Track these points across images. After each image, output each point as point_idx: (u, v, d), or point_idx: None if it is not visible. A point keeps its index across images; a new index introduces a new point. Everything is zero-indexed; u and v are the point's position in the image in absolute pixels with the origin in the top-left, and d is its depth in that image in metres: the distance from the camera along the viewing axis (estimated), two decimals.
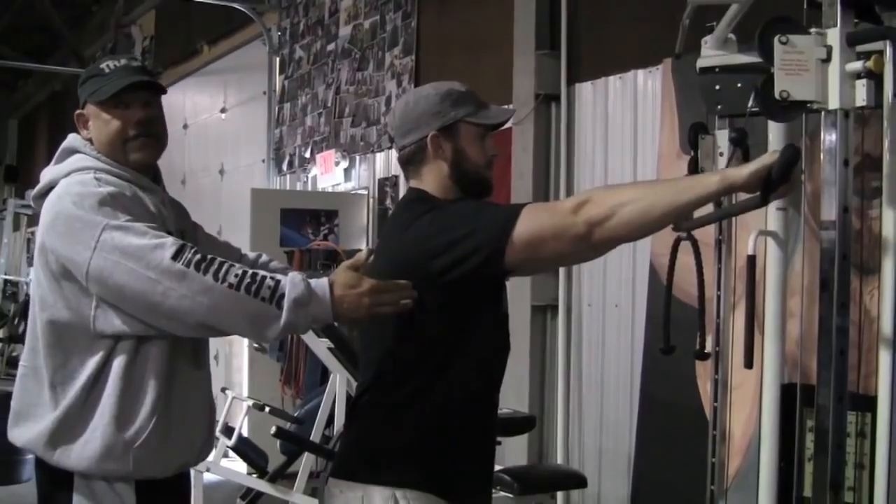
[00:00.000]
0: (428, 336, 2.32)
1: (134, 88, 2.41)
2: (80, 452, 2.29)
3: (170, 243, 2.17)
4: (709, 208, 2.87)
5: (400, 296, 2.21)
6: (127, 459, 2.29)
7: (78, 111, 2.49)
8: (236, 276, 2.15)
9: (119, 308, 2.24)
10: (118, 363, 2.30)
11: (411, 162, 2.45)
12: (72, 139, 2.49)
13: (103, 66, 2.46)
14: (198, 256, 2.16)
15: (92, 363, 2.30)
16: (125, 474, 2.30)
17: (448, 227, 2.26)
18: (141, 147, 2.43)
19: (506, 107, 2.56)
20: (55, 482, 2.35)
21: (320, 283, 2.20)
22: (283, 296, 2.15)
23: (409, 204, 2.44)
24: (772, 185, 1.95)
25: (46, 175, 2.44)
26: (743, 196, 2.22)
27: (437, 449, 2.32)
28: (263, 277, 2.16)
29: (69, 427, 2.30)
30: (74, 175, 2.36)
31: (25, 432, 2.37)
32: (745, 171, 2.06)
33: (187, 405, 2.41)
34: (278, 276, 2.18)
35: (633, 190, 2.23)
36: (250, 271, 2.17)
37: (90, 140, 2.46)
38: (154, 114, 2.46)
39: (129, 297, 2.19)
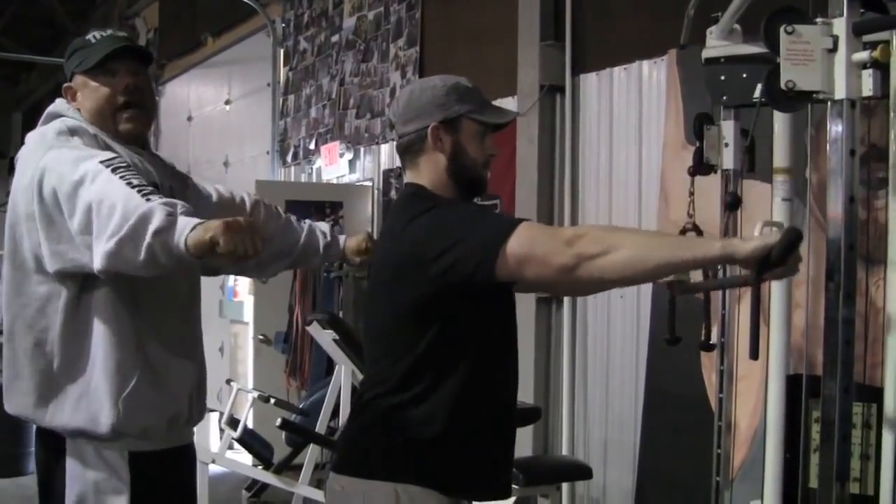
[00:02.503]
0: (431, 333, 2.30)
1: (121, 56, 2.43)
2: (74, 407, 2.33)
3: (101, 155, 2.23)
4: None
5: (241, 229, 2.06)
6: (117, 411, 2.32)
7: (65, 84, 2.51)
8: (139, 180, 2.17)
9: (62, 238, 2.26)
10: (87, 308, 2.34)
11: (409, 151, 2.44)
12: (57, 103, 2.51)
13: (89, 37, 2.49)
14: (123, 164, 2.20)
15: (59, 307, 2.34)
16: (118, 426, 2.33)
17: (443, 231, 2.24)
18: (129, 119, 2.46)
19: (510, 108, 2.53)
20: (49, 448, 2.39)
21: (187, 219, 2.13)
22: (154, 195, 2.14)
23: (407, 200, 2.42)
24: (768, 265, 1.93)
25: (29, 137, 2.47)
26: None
27: (440, 446, 2.31)
28: (146, 184, 2.18)
29: (55, 383, 2.34)
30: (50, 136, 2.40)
31: (14, 398, 2.42)
32: (748, 246, 1.97)
33: (168, 358, 2.44)
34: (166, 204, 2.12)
35: (632, 235, 2.16)
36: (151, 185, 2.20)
37: (77, 111, 2.48)
38: (141, 81, 2.48)
39: (61, 193, 2.22)
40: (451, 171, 2.40)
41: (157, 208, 2.07)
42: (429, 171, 2.41)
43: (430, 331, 2.29)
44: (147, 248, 2.06)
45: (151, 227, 2.05)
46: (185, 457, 2.60)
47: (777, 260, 1.91)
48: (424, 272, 2.24)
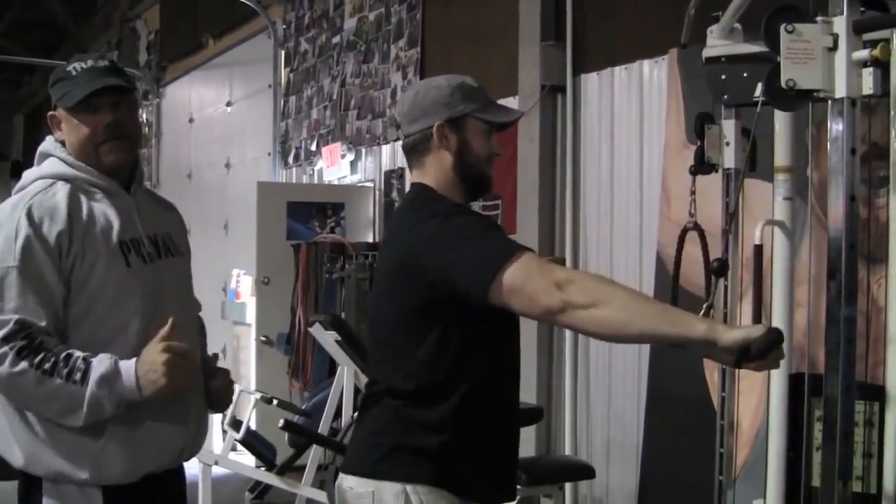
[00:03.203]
0: (435, 335, 2.31)
1: (101, 92, 2.39)
2: (49, 459, 2.30)
3: (9, 325, 2.21)
4: None
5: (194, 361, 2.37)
6: (87, 465, 2.30)
7: (50, 113, 2.48)
8: (51, 361, 2.22)
9: None
10: None
11: (415, 150, 2.44)
12: (46, 143, 2.49)
13: (70, 68, 2.43)
14: (24, 342, 2.21)
15: None
16: (86, 480, 2.31)
17: (443, 246, 2.25)
18: (112, 150, 2.42)
19: (515, 108, 2.54)
20: (28, 482, 2.37)
21: (127, 363, 2.27)
22: (89, 373, 2.23)
23: (412, 202, 2.43)
24: (747, 356, 1.96)
25: (24, 176, 2.46)
26: None
27: (448, 446, 2.31)
28: (77, 358, 2.24)
29: (34, 436, 2.31)
30: (36, 184, 2.39)
31: None
32: (731, 335, 1.97)
33: (154, 413, 2.38)
34: (91, 358, 2.25)
35: (622, 294, 2.12)
36: (64, 353, 2.23)
37: (63, 141, 2.46)
38: (123, 116, 2.44)
39: None
40: (456, 168, 2.40)
41: (100, 397, 2.24)
42: (435, 170, 2.42)
43: (434, 332, 2.30)
44: (116, 409, 2.28)
45: (109, 408, 2.26)
46: (153, 480, 2.49)
47: (755, 355, 1.95)
48: (423, 279, 2.25)
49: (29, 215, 2.29)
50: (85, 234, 2.33)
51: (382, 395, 2.38)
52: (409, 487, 2.28)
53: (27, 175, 2.45)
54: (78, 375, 2.22)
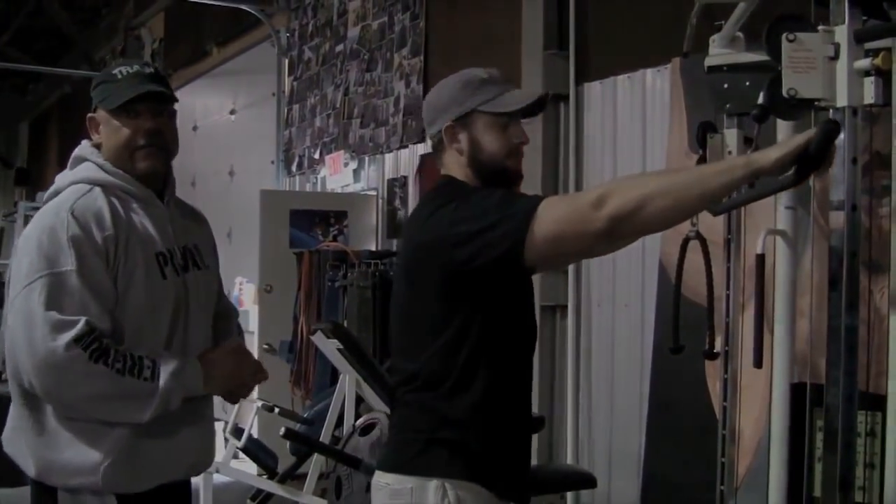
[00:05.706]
0: (458, 321, 2.30)
1: (144, 97, 2.40)
2: (62, 469, 2.31)
3: (79, 325, 2.21)
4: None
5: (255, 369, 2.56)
6: (102, 475, 2.31)
7: (89, 115, 2.50)
8: (122, 361, 2.25)
9: None
10: None
11: (436, 151, 2.46)
12: (82, 147, 2.50)
13: (115, 71, 2.45)
14: (95, 345, 2.21)
15: None
16: (100, 488, 2.32)
17: (469, 217, 2.24)
18: (147, 156, 2.43)
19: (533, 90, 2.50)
20: (41, 491, 2.38)
21: (190, 359, 2.39)
22: (158, 369, 2.29)
23: (437, 189, 2.43)
24: (809, 162, 1.87)
25: (57, 180, 2.47)
26: None
27: (476, 440, 2.32)
28: (141, 357, 2.27)
29: (47, 443, 2.32)
30: (72, 188, 2.39)
31: (10, 443, 2.42)
32: (771, 156, 2.00)
33: (169, 427, 2.40)
34: (154, 356, 2.31)
35: (657, 181, 2.12)
36: (129, 353, 2.27)
37: (99, 145, 2.47)
38: (164, 123, 2.46)
39: (17, 353, 2.26)
40: (472, 167, 2.40)
41: (171, 389, 2.30)
42: (455, 169, 2.42)
43: (455, 320, 2.30)
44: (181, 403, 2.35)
45: (176, 400, 2.32)
46: (169, 489, 2.52)
47: (817, 154, 1.86)
48: (449, 259, 2.24)
49: (76, 219, 2.30)
50: (127, 242, 2.35)
51: (407, 391, 2.39)
52: (447, 483, 2.29)
53: (61, 179, 2.45)
54: (148, 373, 2.26)
